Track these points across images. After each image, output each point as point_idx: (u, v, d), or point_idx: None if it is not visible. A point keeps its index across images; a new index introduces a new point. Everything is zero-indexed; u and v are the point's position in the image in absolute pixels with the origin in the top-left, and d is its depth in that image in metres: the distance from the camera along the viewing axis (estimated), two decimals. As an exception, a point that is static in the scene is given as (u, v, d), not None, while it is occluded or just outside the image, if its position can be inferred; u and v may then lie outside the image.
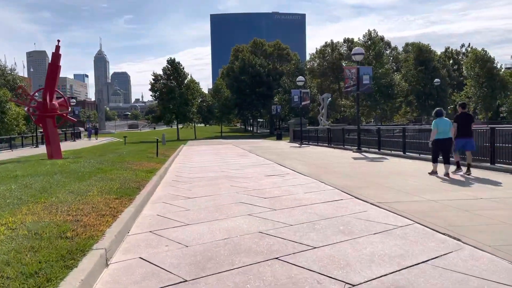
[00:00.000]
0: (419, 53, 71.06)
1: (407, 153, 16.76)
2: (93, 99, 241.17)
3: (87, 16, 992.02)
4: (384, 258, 4.33)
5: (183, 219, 6.37)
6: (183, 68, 67.99)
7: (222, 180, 11.13)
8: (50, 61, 15.66)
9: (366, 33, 70.29)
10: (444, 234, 5.21)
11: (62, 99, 16.68)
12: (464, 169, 10.95)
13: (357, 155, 19.24)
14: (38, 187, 7.96)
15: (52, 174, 10.18)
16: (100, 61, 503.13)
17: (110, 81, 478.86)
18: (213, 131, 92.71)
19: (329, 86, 78.11)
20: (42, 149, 26.14)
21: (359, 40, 70.62)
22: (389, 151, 18.33)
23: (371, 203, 7.38)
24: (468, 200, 7.56)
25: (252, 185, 9.97)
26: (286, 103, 69.98)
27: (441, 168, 10.85)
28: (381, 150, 19.15)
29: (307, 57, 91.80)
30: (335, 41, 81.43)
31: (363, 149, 20.98)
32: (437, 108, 11.31)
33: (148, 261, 4.39)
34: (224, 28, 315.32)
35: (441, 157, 11.00)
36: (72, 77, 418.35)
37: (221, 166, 15.23)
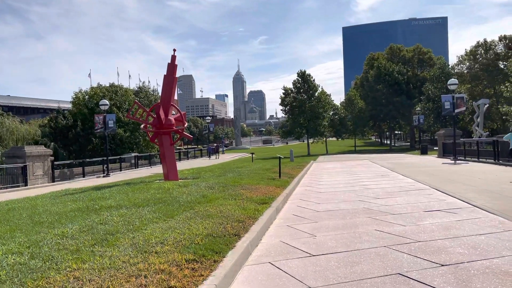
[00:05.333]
0: None
1: None
2: (231, 117, 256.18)
3: (226, 41, 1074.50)
4: None
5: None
6: (313, 80, 65.27)
7: (361, 217, 7.82)
8: (165, 73, 14.38)
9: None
10: None
11: (178, 114, 15.28)
12: None
13: (552, 177, 13.83)
14: (102, 230, 5.81)
15: (144, 205, 8.19)
16: (238, 81, 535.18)
17: (246, 99, 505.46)
18: (346, 145, 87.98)
19: (482, 91, 67.14)
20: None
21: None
22: None
23: None
24: None
25: (410, 231, 6.46)
26: (430, 112, 62.12)
27: None
28: None
29: (455, 61, 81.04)
30: (488, 40, 69.98)
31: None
32: None
33: None
34: (356, 39, 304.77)
35: None
36: (213, 97, 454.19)
37: (357, 191, 11.83)
